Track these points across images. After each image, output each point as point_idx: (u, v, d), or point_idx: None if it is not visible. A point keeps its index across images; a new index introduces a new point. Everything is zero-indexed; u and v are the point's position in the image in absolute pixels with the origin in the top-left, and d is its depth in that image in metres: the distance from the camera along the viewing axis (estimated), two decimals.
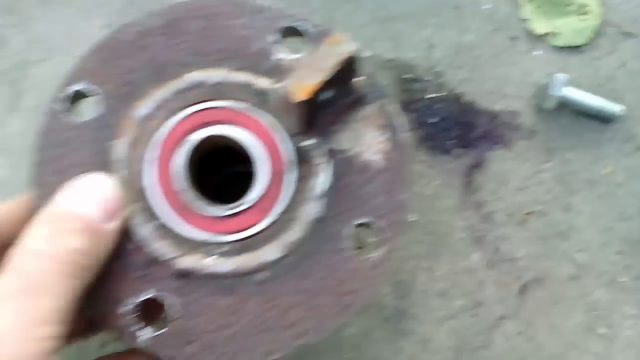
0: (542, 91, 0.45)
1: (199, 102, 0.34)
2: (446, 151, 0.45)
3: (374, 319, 0.43)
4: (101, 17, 0.48)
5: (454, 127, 0.45)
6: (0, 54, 0.47)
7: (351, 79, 0.32)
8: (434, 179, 0.45)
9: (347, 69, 0.30)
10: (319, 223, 0.33)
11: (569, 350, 0.43)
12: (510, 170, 0.45)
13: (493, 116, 0.45)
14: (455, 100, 0.45)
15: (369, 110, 0.34)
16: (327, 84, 0.30)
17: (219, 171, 0.39)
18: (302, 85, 0.29)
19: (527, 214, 0.44)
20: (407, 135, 0.34)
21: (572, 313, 0.44)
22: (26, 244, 0.29)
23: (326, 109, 0.33)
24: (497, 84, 0.46)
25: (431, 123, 0.45)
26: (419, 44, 0.46)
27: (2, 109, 0.46)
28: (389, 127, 0.34)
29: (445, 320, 0.43)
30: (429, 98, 0.45)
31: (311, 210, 0.33)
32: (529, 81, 0.46)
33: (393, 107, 0.34)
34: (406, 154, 0.34)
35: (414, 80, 0.45)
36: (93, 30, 0.48)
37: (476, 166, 0.44)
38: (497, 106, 0.46)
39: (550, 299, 0.44)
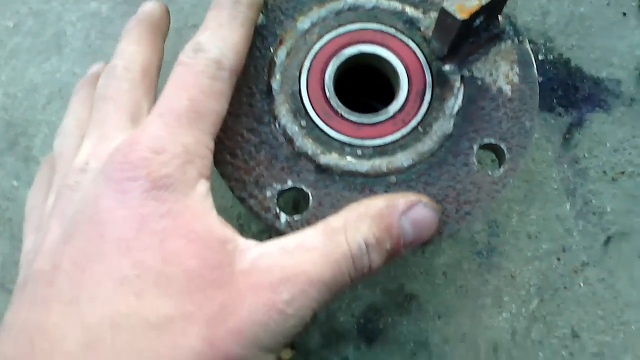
0: None
1: (353, 23, 0.38)
2: (550, 108, 0.47)
3: (465, 251, 0.46)
4: None
5: (559, 88, 0.48)
6: None
7: (499, 13, 0.35)
8: (535, 132, 0.48)
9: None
10: (449, 139, 0.36)
11: None
12: (607, 132, 0.47)
13: (597, 82, 0.48)
14: (563, 64, 0.48)
15: (504, 45, 0.37)
16: (483, 10, 0.32)
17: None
18: (465, 6, 0.33)
19: (620, 173, 0.46)
20: (535, 71, 0.37)
21: None
22: None
23: (469, 38, 0.36)
24: (604, 54, 0.48)
25: (539, 82, 0.48)
26: (534, 9, 0.49)
27: None
28: (520, 62, 0.36)
29: (531, 260, 0.46)
30: (539, 60, 0.48)
31: (443, 126, 0.36)
32: (634, 54, 0.48)
33: (525, 46, 0.37)
34: (533, 88, 0.36)
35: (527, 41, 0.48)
36: None
37: (576, 125, 0.47)
38: (602, 73, 0.48)
39: (633, 253, 0.46)
